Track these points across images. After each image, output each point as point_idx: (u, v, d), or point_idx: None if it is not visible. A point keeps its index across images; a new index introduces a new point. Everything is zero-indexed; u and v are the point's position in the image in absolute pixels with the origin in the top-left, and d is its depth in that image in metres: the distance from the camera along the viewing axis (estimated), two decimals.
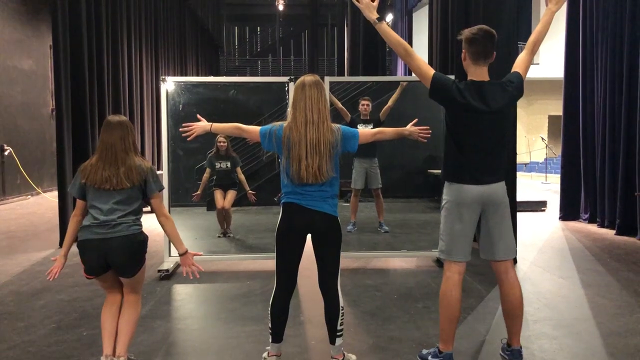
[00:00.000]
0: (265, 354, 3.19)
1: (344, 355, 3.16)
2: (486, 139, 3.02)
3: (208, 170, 6.81)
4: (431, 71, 3.03)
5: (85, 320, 4.03)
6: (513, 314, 3.15)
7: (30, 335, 3.77)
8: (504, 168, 3.13)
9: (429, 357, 3.21)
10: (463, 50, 3.11)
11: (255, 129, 3.14)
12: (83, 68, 7.37)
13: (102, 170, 2.99)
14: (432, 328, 3.83)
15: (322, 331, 3.66)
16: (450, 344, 3.12)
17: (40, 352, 3.49)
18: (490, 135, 3.03)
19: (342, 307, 3.10)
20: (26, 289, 4.90)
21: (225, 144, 6.73)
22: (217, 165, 6.78)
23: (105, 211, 2.98)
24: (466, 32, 3.09)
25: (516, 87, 3.11)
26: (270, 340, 3.13)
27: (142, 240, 3.06)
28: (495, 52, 3.10)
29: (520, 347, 3.19)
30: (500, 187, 3.10)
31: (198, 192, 6.79)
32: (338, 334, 3.07)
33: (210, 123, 3.24)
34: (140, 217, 3.12)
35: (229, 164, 6.79)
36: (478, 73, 3.08)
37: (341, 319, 3.08)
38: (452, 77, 3.19)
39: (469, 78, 3.11)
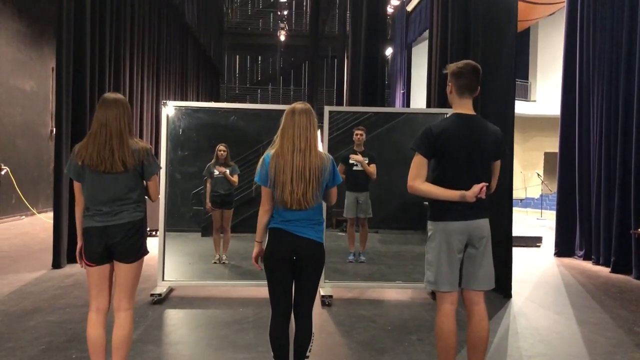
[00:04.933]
0: None
1: None
2: (472, 171, 3.03)
3: (209, 180, 6.78)
4: (419, 162, 3.06)
5: (76, 343, 3.98)
6: (478, 348, 3.11)
7: (19, 357, 3.71)
8: (488, 206, 3.14)
9: None
10: (449, 84, 3.18)
11: (264, 193, 3.05)
12: (84, 91, 7.42)
13: (96, 151, 2.95)
14: None
15: (315, 359, 3.63)
16: None
17: None
18: (476, 167, 3.05)
19: (312, 333, 3.09)
20: (16, 310, 4.84)
21: (225, 152, 6.71)
22: (216, 172, 6.72)
23: (107, 202, 3.00)
24: (452, 66, 3.15)
25: (500, 151, 3.19)
26: None
27: (143, 225, 3.10)
28: (480, 87, 3.15)
29: None
30: (484, 222, 3.12)
31: (207, 203, 6.80)
32: (305, 359, 3.07)
33: (258, 242, 3.12)
34: (141, 203, 3.12)
35: (227, 172, 6.74)
36: (463, 105, 3.13)
37: (310, 345, 3.07)
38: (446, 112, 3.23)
39: (454, 111, 3.17)
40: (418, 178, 3.04)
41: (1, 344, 3.96)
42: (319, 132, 3.26)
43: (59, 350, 3.86)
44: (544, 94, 23.17)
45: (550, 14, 18.15)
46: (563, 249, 8.57)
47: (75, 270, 6.42)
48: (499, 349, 4.14)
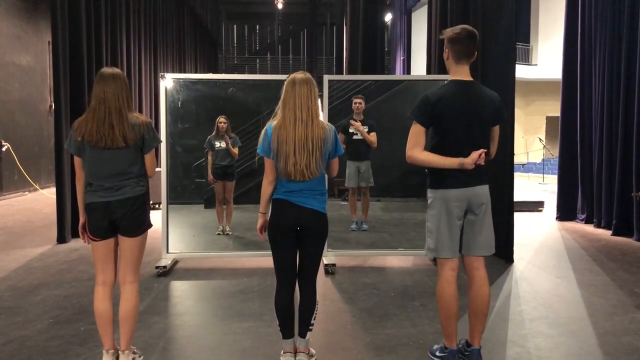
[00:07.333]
0: (282, 352, 3.17)
1: (309, 350, 3.19)
2: (470, 138, 3.02)
3: (210, 152, 6.78)
4: (417, 131, 3.04)
5: (83, 316, 4.04)
6: (480, 313, 3.14)
7: (28, 330, 3.77)
8: (487, 173, 3.13)
9: (437, 352, 3.25)
10: (445, 50, 3.13)
11: (267, 164, 3.05)
12: (82, 64, 7.35)
13: (95, 128, 2.94)
14: (429, 326, 3.85)
15: (319, 326, 3.68)
16: (453, 340, 3.13)
17: (37, 346, 3.49)
18: (474, 134, 3.04)
19: (317, 302, 3.14)
20: (23, 284, 4.90)
21: (226, 124, 6.68)
22: (217, 144, 6.72)
23: (108, 177, 3.00)
24: (448, 32, 3.10)
25: (499, 116, 3.15)
26: (281, 337, 3.13)
27: (145, 199, 3.11)
28: (477, 52, 3.11)
29: (480, 347, 3.17)
30: (483, 189, 3.12)
31: (209, 175, 6.81)
32: (310, 327, 3.11)
33: (262, 214, 3.13)
34: (143, 178, 3.12)
35: (230, 143, 6.70)
36: (460, 72, 3.10)
37: (315, 314, 3.11)
38: (447, 78, 3.20)
39: (451, 77, 3.13)
40: (416, 147, 3.03)
41: (10, 318, 4.02)
42: (319, 102, 3.24)
43: (67, 322, 3.92)
44: (545, 58, 22.92)
45: None
46: (565, 213, 8.60)
47: (80, 244, 6.47)
48: (501, 313, 4.19)
